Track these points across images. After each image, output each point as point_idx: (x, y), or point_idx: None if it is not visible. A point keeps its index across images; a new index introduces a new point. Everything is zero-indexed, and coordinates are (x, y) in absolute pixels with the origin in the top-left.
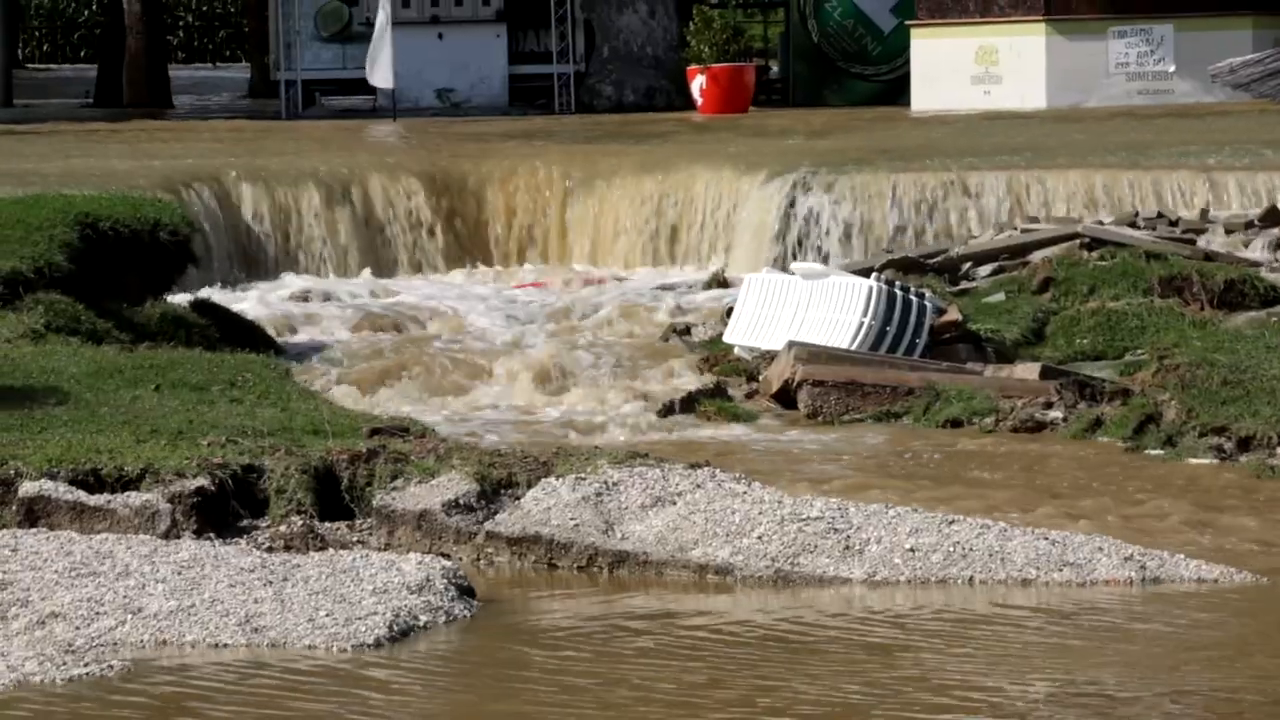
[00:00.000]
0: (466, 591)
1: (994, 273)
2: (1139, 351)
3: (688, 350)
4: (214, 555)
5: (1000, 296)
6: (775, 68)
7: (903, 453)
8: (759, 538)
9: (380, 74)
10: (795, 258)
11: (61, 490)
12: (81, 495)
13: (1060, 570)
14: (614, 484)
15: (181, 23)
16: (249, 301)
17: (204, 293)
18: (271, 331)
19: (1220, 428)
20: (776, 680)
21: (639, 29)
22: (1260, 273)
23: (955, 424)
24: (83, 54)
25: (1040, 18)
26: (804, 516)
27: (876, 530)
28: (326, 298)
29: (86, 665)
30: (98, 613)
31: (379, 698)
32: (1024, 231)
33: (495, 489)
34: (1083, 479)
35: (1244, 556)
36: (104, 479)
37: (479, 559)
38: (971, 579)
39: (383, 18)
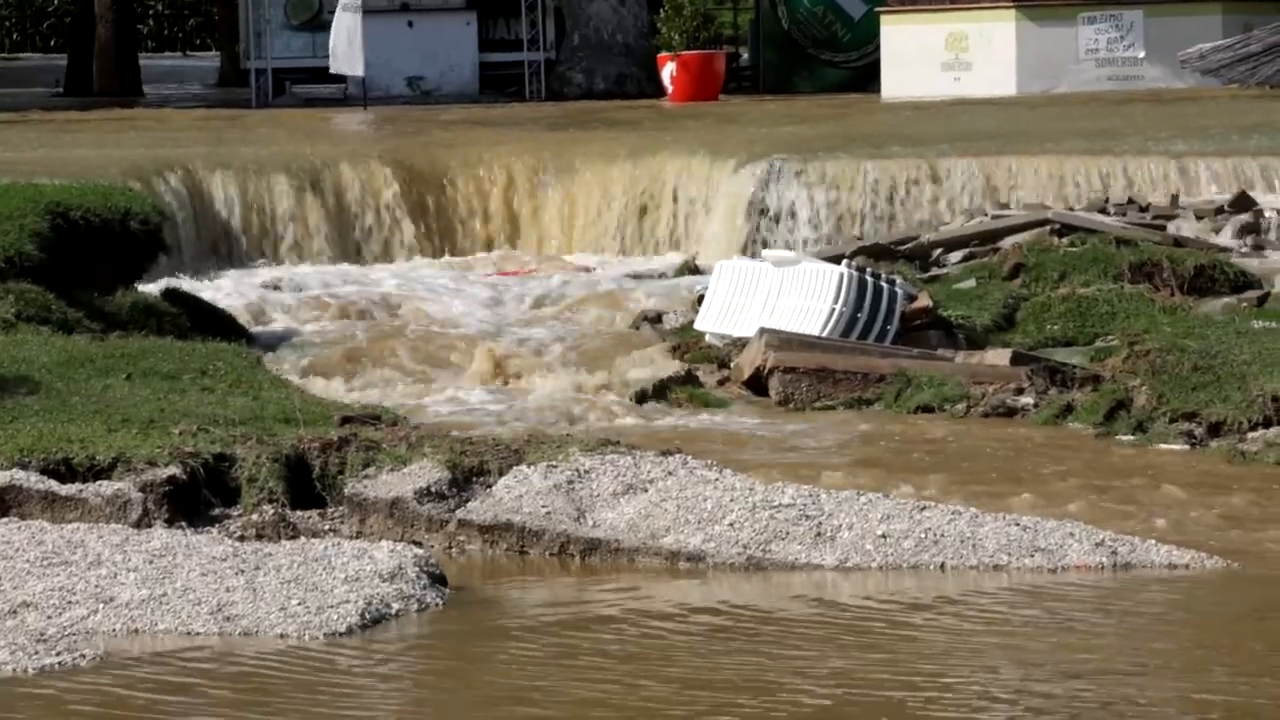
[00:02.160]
0: (438, 579)
1: (965, 259)
2: (1109, 337)
3: (659, 338)
4: (186, 544)
5: (971, 283)
6: (745, 55)
7: (874, 439)
8: (730, 525)
9: (347, 62)
10: (766, 245)
11: (33, 480)
12: (53, 485)
13: (1031, 556)
14: (586, 471)
15: (151, 11)
16: (220, 290)
17: (175, 281)
18: (243, 320)
19: (1191, 413)
20: (752, 668)
21: (609, 16)
22: (1230, 258)
23: (926, 410)
24: (53, 43)
25: (1010, 4)
26: (775, 503)
27: (848, 517)
28: (298, 286)
29: (58, 654)
30: (70, 602)
31: (351, 686)
32: (994, 218)
33: (467, 477)
34: (1054, 465)
35: (1215, 541)
36: (75, 468)
37: (451, 547)
38: (943, 565)
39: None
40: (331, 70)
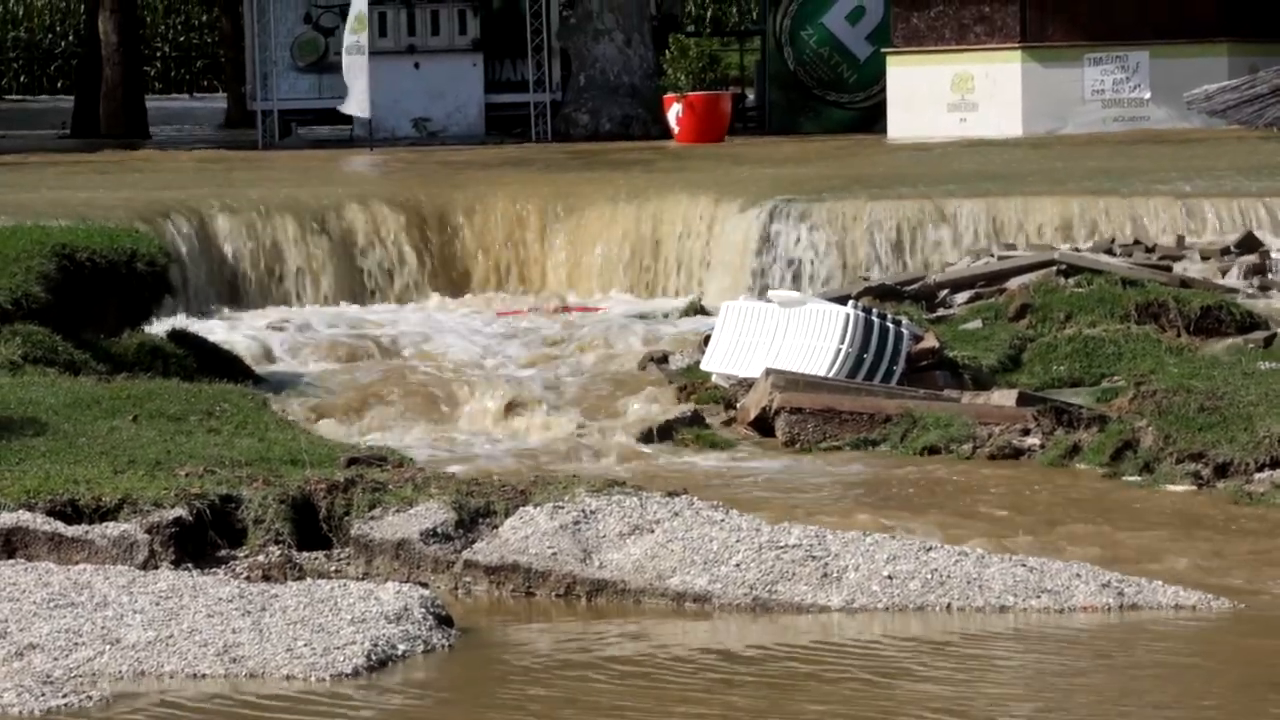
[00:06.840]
0: (444, 620)
1: (971, 299)
2: (1116, 378)
3: (665, 378)
4: (192, 585)
5: (977, 323)
6: (751, 96)
7: (880, 480)
8: (737, 565)
9: (356, 103)
10: (772, 285)
11: (39, 521)
12: (59, 526)
13: (1038, 597)
14: (592, 512)
15: (158, 53)
16: (226, 331)
17: (181, 323)
18: (249, 361)
19: (1197, 454)
20: (765, 704)
21: (615, 58)
22: (1236, 299)
23: (933, 451)
24: (60, 85)
25: (1016, 45)
26: (781, 544)
27: (854, 557)
28: (304, 327)
29: (65, 696)
30: (76, 644)
31: None
32: (1001, 258)
33: (473, 517)
34: (1060, 505)
35: (1222, 582)
36: (82, 510)
37: (457, 588)
38: (949, 606)
39: (349, 44)
40: (355, 114)
